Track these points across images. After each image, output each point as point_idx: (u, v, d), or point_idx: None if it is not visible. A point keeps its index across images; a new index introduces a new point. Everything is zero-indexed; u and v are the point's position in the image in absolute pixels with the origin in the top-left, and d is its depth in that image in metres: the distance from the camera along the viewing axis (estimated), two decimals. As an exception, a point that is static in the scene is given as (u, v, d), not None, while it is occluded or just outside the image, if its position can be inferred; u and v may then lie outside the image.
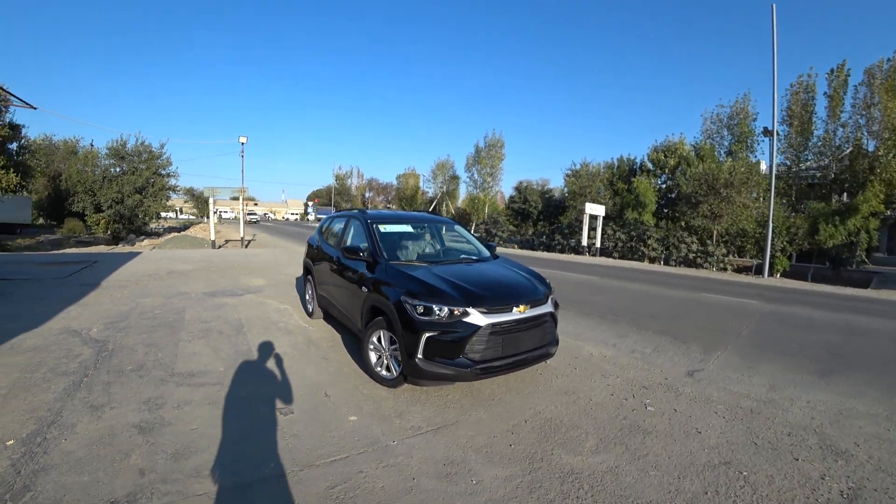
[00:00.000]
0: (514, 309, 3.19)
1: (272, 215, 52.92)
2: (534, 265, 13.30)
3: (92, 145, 29.49)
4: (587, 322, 5.95)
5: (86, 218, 23.29)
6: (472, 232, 26.70)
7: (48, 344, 4.36)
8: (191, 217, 63.35)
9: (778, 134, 16.55)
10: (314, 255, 5.49)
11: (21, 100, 18.82)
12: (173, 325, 5.22)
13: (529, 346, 3.31)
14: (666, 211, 22.57)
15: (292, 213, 64.14)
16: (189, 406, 3.09)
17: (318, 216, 60.70)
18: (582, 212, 19.72)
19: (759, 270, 13.91)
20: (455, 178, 45.07)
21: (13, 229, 23.30)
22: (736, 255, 17.72)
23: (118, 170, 25.35)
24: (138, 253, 13.93)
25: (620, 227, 19.74)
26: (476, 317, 3.04)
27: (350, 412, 3.02)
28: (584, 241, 19.66)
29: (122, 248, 18.37)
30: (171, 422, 2.86)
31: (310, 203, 73.98)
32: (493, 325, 3.07)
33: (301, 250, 17.52)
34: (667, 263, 16.28)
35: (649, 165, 24.90)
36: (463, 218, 35.89)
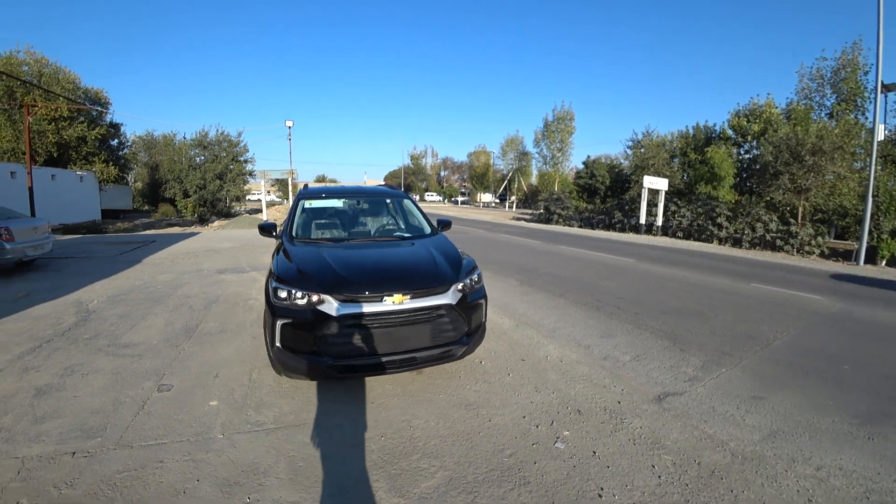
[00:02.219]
0: (387, 298, 2.79)
1: None
2: (571, 245, 12.58)
3: (185, 138, 33.69)
4: (575, 313, 5.23)
5: (176, 203, 26.85)
6: (533, 210, 25.76)
7: (50, 313, 5.10)
8: (274, 199, 69.98)
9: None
10: None
11: (97, 108, 21.96)
12: (160, 300, 5.78)
13: (414, 344, 2.87)
14: (749, 185, 19.34)
15: None
16: (94, 375, 3.39)
17: None
18: (642, 186, 17.78)
19: (856, 256, 11.28)
20: (526, 154, 44.06)
21: (117, 214, 27.82)
22: (831, 236, 14.56)
23: (201, 158, 28.57)
24: (196, 234, 15.76)
25: (687, 203, 17.37)
26: (332, 305, 2.75)
27: (217, 397, 3.06)
28: (643, 219, 17.71)
29: (197, 229, 20.90)
30: (66, 387, 3.17)
31: (382, 184, 77.43)
32: (354, 315, 2.74)
33: None
34: (739, 245, 13.91)
35: (729, 133, 21.46)
36: (535, 195, 35.02)
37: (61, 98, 18.63)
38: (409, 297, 2.82)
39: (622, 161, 27.98)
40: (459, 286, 3.08)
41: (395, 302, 2.78)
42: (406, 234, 4.12)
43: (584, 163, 31.34)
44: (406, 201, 4.66)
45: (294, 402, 2.97)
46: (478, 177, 56.33)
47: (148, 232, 17.46)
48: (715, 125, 23.09)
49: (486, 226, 20.64)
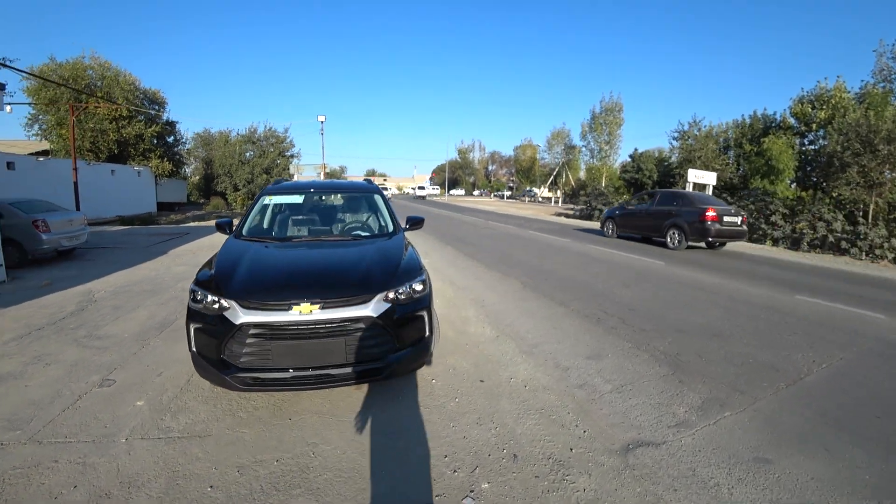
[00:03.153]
0: (294, 308, 2.59)
1: (419, 191, 59.15)
2: (602, 244, 11.81)
3: (239, 134, 35.81)
4: (570, 326, 4.74)
5: (227, 196, 28.66)
6: (577, 205, 24.83)
7: (57, 302, 5.53)
8: None
9: None
10: None
11: (153, 107, 23.75)
12: (158, 292, 6.10)
13: (328, 360, 2.63)
14: (813, 179, 17.13)
15: (414, 188, 70.24)
16: (55, 365, 3.58)
17: (432, 191, 65.02)
18: (686, 180, 16.37)
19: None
20: (573, 147, 43.05)
21: (172, 207, 30.24)
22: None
23: (250, 154, 30.26)
24: (231, 226, 16.56)
25: (737, 199, 15.70)
26: (235, 312, 2.61)
27: (147, 397, 3.08)
28: None
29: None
30: (23, 376, 3.37)
31: (428, 178, 79.30)
32: (257, 324, 2.58)
33: None
34: (797, 247, 12.28)
35: (790, 121, 19.06)
36: (582, 190, 34.15)
37: (120, 100, 20.39)
38: (319, 306, 2.61)
39: (673, 155, 26.13)
40: (390, 295, 2.83)
41: (302, 312, 2.58)
42: (363, 234, 3.96)
43: (630, 156, 29.71)
44: (376, 196, 4.47)
45: (214, 410, 2.92)
46: (523, 171, 56.57)
47: (190, 224, 18.72)
48: (774, 113, 20.70)
49: (521, 222, 20.02)
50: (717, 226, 10.26)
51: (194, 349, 2.78)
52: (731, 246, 12.70)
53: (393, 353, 2.81)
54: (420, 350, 3.00)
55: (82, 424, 2.73)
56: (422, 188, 63.99)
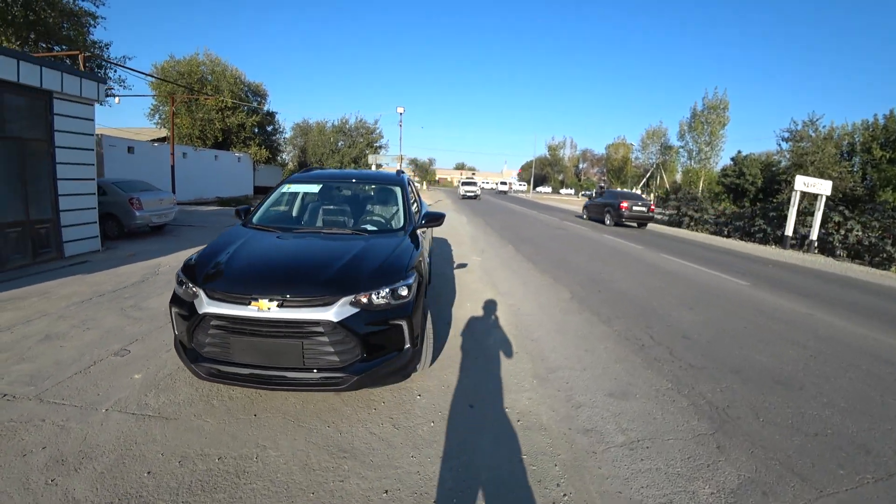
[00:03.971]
0: (253, 303, 2.55)
1: (500, 186, 60.79)
2: (680, 254, 10.85)
3: (334, 125, 38.70)
4: (604, 351, 4.14)
5: None
6: (666, 210, 22.76)
7: (129, 272, 6.42)
8: (417, 185, 76.42)
9: None
10: None
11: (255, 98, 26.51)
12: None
13: (285, 362, 2.59)
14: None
15: (501, 183, 70.89)
16: (92, 331, 4.11)
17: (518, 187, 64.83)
18: (793, 188, 13.96)
19: None
20: (669, 148, 40.33)
21: (266, 191, 33.63)
22: None
23: (341, 143, 32.63)
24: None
25: (858, 213, 12.79)
26: (203, 301, 2.66)
27: (146, 371, 3.35)
28: (790, 230, 13.93)
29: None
30: (65, 337, 3.91)
31: (515, 174, 79.29)
32: (217, 316, 2.60)
33: (451, 217, 19.04)
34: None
35: None
36: (677, 193, 31.71)
37: (226, 92, 23.31)
38: (277, 304, 2.55)
39: (782, 160, 22.46)
40: (362, 299, 2.66)
41: (260, 308, 2.54)
42: (370, 228, 3.87)
43: (732, 159, 26.47)
44: (396, 189, 4.35)
45: (194, 394, 3.06)
46: (615, 171, 55.25)
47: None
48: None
49: (598, 224, 18.72)
50: (628, 212, 16.79)
51: (175, 332, 2.94)
52: (845, 268, 10.44)
53: (359, 363, 2.65)
54: (395, 363, 2.80)
55: (81, 390, 3.05)
56: (504, 183, 64.30)
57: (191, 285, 2.76)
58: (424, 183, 78.32)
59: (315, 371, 2.60)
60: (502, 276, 7.23)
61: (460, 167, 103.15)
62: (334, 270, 2.81)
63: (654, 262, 9.60)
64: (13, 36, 10.11)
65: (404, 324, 2.79)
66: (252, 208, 4.09)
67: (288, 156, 38.71)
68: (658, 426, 2.95)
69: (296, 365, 2.60)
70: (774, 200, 18.50)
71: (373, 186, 4.56)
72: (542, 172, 76.17)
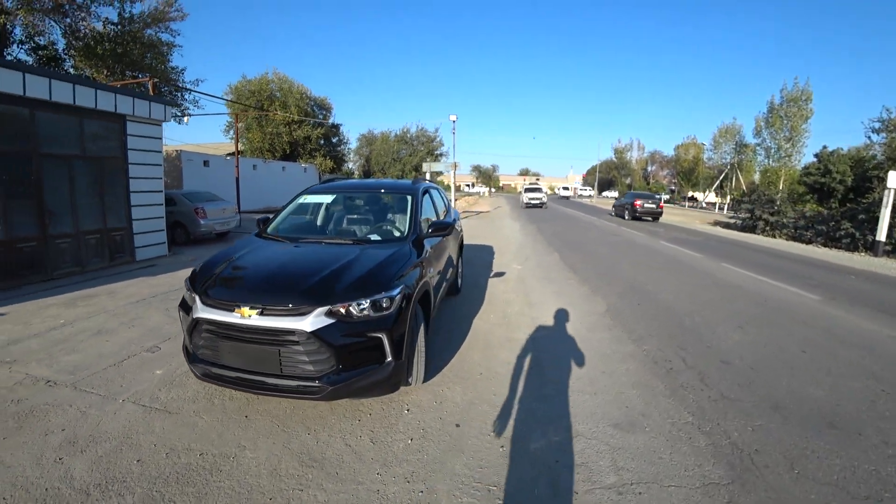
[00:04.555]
0: (236, 310, 2.73)
1: (562, 192, 60.68)
2: (744, 264, 10.68)
3: (397, 134, 40.41)
4: (623, 374, 3.82)
5: None
6: (739, 214, 20.80)
7: (183, 276, 7.19)
8: (480, 191, 77.70)
9: None
10: None
11: (321, 112, 28.38)
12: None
13: (264, 367, 2.74)
14: None
15: (563, 188, 69.59)
16: (136, 328, 4.68)
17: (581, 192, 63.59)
18: (885, 186, 12.04)
19: None
20: (745, 146, 37.50)
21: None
22: None
23: (403, 152, 34.06)
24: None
25: None
26: (198, 306, 2.90)
27: (168, 368, 3.75)
28: (882, 234, 11.94)
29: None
30: (113, 332, 4.51)
31: (580, 178, 77.89)
32: (207, 321, 2.82)
33: (505, 224, 18.98)
34: None
35: None
36: (748, 196, 29.36)
37: (293, 108, 25.40)
38: (257, 312, 2.71)
39: (874, 153, 19.38)
40: (339, 309, 2.74)
41: (242, 315, 2.72)
42: (373, 237, 3.99)
43: (816, 155, 23.48)
44: (408, 198, 4.42)
45: (200, 392, 3.36)
46: (685, 172, 53.14)
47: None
48: None
49: (660, 230, 17.70)
50: (641, 209, 21.13)
51: (185, 335, 3.27)
52: None
53: (334, 374, 2.73)
54: (374, 376, 2.84)
55: (109, 381, 3.50)
56: (566, 188, 63.58)
57: (191, 291, 3.06)
58: (487, 190, 78.75)
59: (292, 379, 2.74)
60: (538, 287, 7.04)
61: (524, 173, 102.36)
62: (314, 281, 2.91)
63: (711, 271, 8.78)
64: (103, 67, 12.14)
65: (383, 336, 2.82)
66: (271, 218, 4.42)
67: (354, 165, 41.04)
68: (661, 468, 2.67)
69: (274, 371, 2.75)
70: (862, 201, 16.06)
71: (384, 196, 4.70)
72: (608, 176, 74.69)
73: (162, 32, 14.20)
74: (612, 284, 7.29)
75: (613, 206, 25.10)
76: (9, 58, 11.66)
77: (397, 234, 4.04)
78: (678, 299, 6.43)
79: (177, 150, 16.43)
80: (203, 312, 2.86)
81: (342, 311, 2.75)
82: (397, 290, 3.00)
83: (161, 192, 8.48)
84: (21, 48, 12.23)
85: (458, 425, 3.07)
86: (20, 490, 2.29)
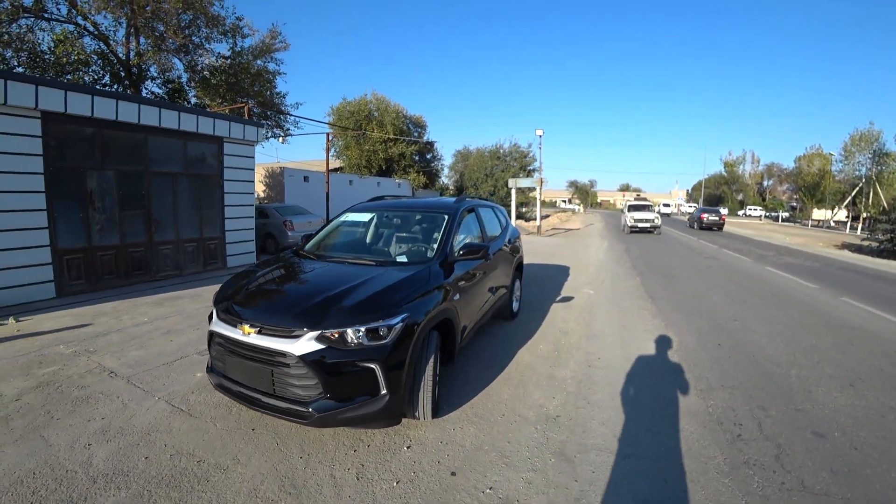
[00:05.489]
0: (239, 326, 2.91)
1: (663, 208, 57.56)
2: (869, 299, 8.48)
3: (488, 150, 41.21)
4: (661, 448, 3.20)
5: None
6: (874, 235, 17.03)
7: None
8: (574, 208, 75.68)
9: None
10: None
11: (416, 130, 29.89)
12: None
13: (258, 385, 2.89)
14: None
15: (664, 205, 64.30)
16: (199, 330, 5.33)
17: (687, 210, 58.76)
18: None
19: None
20: (885, 155, 32.17)
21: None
22: None
23: (495, 168, 34.64)
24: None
25: None
26: (214, 319, 3.18)
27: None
28: None
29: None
30: (179, 333, 5.21)
31: (683, 194, 72.11)
32: (217, 334, 3.07)
33: (591, 242, 18.04)
34: None
35: None
36: (885, 214, 24.51)
37: (389, 126, 27.31)
38: (256, 330, 2.86)
39: None
40: (331, 335, 2.76)
41: (243, 332, 2.90)
42: (398, 258, 4.02)
43: None
44: (444, 218, 4.37)
45: (225, 398, 3.66)
46: (808, 187, 49.56)
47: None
48: None
49: (769, 253, 15.66)
50: (706, 220, 26.78)
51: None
52: None
53: (323, 401, 2.76)
54: (365, 409, 2.82)
55: (156, 378, 4.01)
56: (667, 205, 59.61)
57: (213, 304, 3.39)
58: (582, 206, 75.67)
59: (283, 400, 2.84)
60: (604, 316, 6.47)
61: (624, 188, 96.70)
62: (310, 304, 2.97)
63: (824, 307, 7.23)
64: (216, 96, 14.50)
65: (377, 367, 2.78)
66: (312, 234, 4.73)
67: (449, 180, 42.51)
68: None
69: (268, 390, 2.88)
70: None
71: (421, 215, 4.72)
72: (716, 192, 70.77)
73: (268, 62, 16.58)
74: (692, 318, 6.40)
75: (688, 219, 27.69)
76: (144, 92, 14.91)
77: (425, 255, 4.02)
78: (773, 342, 5.37)
79: (280, 167, 18.69)
80: (216, 326, 3.14)
81: (334, 336, 2.76)
82: (398, 319, 2.94)
83: (252, 206, 9.66)
84: (154, 83, 15.62)
85: (453, 473, 2.88)
86: (48, 467, 2.71)
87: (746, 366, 4.66)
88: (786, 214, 54.45)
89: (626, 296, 7.94)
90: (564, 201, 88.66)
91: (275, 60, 16.94)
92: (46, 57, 12.48)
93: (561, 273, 10.14)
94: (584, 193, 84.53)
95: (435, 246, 4.04)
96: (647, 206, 24.77)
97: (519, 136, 46.97)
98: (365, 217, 4.87)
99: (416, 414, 3.21)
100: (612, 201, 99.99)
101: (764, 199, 65.72)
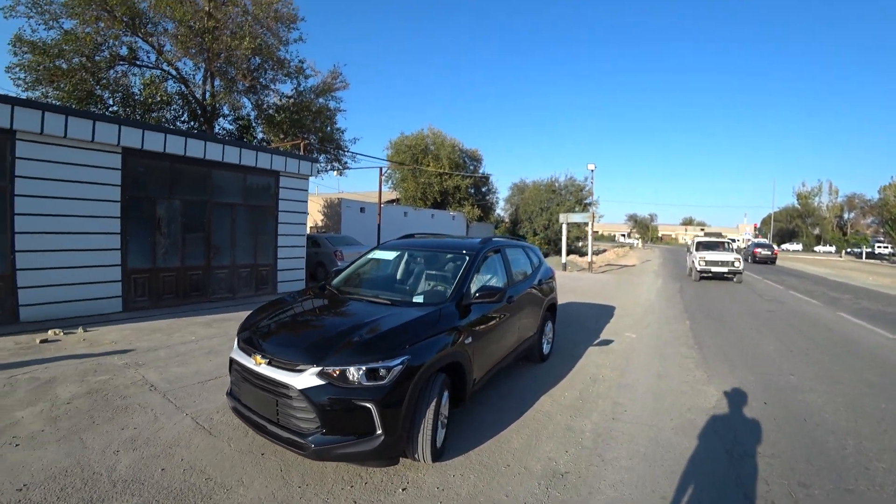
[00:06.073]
0: (252, 356, 3.21)
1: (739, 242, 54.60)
2: None
3: (544, 183, 41.21)
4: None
5: (526, 240, 33.82)
6: None
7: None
8: (632, 242, 72.97)
9: None
10: None
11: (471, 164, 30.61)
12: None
13: (264, 412, 3.10)
14: None
15: (731, 240, 59.89)
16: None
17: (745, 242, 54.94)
18: None
19: None
20: None
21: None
22: None
23: (550, 202, 34.57)
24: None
25: None
26: (234, 346, 3.50)
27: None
28: None
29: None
30: (221, 353, 5.63)
31: (750, 229, 67.65)
32: (234, 361, 3.38)
33: (644, 280, 17.20)
34: None
35: None
36: None
37: (444, 160, 28.31)
38: (266, 361, 3.11)
39: None
40: (332, 371, 2.92)
41: (255, 362, 3.17)
42: (416, 299, 4.14)
43: None
44: (465, 259, 4.48)
45: (243, 418, 3.97)
46: (893, 220, 46.08)
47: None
48: None
49: (845, 295, 14.22)
50: (759, 255, 28.69)
51: None
52: None
53: (320, 435, 2.90)
54: (360, 446, 2.92)
55: (190, 395, 4.40)
56: (732, 241, 55.60)
57: (236, 333, 3.73)
58: (641, 241, 72.43)
59: (284, 430, 3.03)
60: (642, 363, 6.14)
61: (687, 222, 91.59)
62: (318, 339, 3.22)
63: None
64: (280, 132, 16.03)
65: (373, 407, 2.89)
66: (341, 269, 5.02)
67: (504, 213, 42.78)
68: None
69: (273, 419, 3.10)
70: None
71: (444, 255, 4.85)
72: (788, 226, 67.81)
73: (329, 101, 18.12)
74: (739, 371, 5.89)
75: (742, 254, 25.91)
76: (217, 128, 17.07)
77: (442, 296, 4.11)
78: (831, 403, 4.79)
79: (339, 198, 19.92)
80: (235, 353, 3.47)
81: (334, 373, 2.93)
82: (398, 361, 3.04)
83: (303, 235, 10.39)
84: (226, 120, 17.75)
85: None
86: (79, 468, 3.08)
87: (793, 430, 4.22)
88: (868, 251, 49.45)
89: (671, 342, 7.51)
90: (623, 235, 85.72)
91: (335, 99, 18.52)
92: (136, 98, 14.62)
93: (604, 314, 9.81)
94: (643, 227, 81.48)
95: (453, 287, 4.10)
96: (722, 242, 19.42)
97: (576, 168, 46.55)
98: (391, 255, 5.11)
99: (416, 456, 3.26)
100: (673, 236, 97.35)
101: (845, 234, 60.81)
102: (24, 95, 12.65)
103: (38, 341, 5.74)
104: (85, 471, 3.05)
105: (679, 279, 18.16)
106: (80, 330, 6.32)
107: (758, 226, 69.98)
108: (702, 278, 17.58)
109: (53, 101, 12.65)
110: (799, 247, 64.18)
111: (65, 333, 6.19)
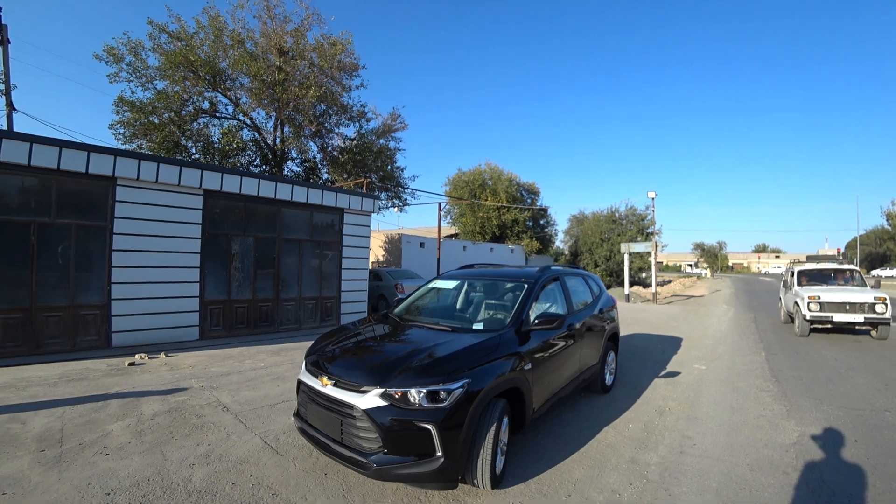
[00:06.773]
0: (320, 378, 3.37)
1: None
2: None
3: (603, 214, 40.20)
4: None
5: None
6: None
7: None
8: (700, 272, 68.23)
9: None
10: None
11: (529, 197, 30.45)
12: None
13: (329, 432, 3.22)
14: None
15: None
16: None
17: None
18: None
19: None
20: None
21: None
22: None
23: (611, 232, 33.62)
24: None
25: None
26: (302, 369, 3.66)
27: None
28: None
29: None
30: (287, 380, 5.90)
31: (838, 251, 61.04)
32: (301, 382, 3.54)
33: (714, 311, 15.87)
34: None
35: None
36: None
37: (502, 194, 28.54)
38: (332, 383, 3.25)
39: None
40: (394, 393, 2.99)
41: (322, 384, 3.32)
42: (476, 326, 4.13)
43: None
44: (523, 286, 4.46)
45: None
46: None
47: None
48: None
49: None
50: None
51: None
52: None
53: (381, 455, 2.95)
54: (419, 468, 2.93)
55: (258, 417, 4.62)
56: (855, 270, 49.86)
57: (304, 357, 3.92)
58: (709, 270, 67.10)
59: (348, 449, 3.10)
60: (713, 396, 5.63)
61: (760, 249, 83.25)
62: (381, 362, 3.31)
63: None
64: (343, 172, 17.09)
65: (433, 429, 2.91)
66: (403, 299, 5.17)
67: (564, 245, 41.95)
68: None
69: (336, 438, 3.19)
70: None
71: (503, 284, 4.87)
72: (878, 249, 59.98)
73: (389, 141, 19.21)
74: (824, 405, 5.21)
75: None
76: (286, 170, 18.65)
77: (502, 323, 4.09)
78: None
79: (399, 234, 20.60)
80: (303, 375, 3.64)
81: (397, 395, 3.00)
82: (458, 384, 3.06)
83: (366, 269, 10.82)
84: (294, 162, 19.35)
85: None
86: (159, 477, 3.31)
87: (888, 474, 3.61)
88: None
89: (745, 374, 6.85)
90: (689, 265, 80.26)
91: (395, 139, 19.63)
92: (216, 145, 16.38)
93: (671, 345, 9.18)
94: (712, 256, 75.78)
95: (513, 315, 4.09)
96: (844, 270, 11.96)
97: (637, 197, 44.81)
98: (451, 284, 5.21)
99: (475, 481, 3.19)
100: (745, 264, 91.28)
101: (955, 258, 52.03)
102: (122, 148, 14.63)
103: (126, 364, 6.37)
104: (164, 480, 3.28)
105: (753, 309, 16.63)
106: (162, 355, 6.92)
107: (842, 250, 63.23)
108: (813, 330, 10.85)
109: (147, 152, 14.52)
110: (893, 272, 57.06)
111: (149, 358, 6.82)
